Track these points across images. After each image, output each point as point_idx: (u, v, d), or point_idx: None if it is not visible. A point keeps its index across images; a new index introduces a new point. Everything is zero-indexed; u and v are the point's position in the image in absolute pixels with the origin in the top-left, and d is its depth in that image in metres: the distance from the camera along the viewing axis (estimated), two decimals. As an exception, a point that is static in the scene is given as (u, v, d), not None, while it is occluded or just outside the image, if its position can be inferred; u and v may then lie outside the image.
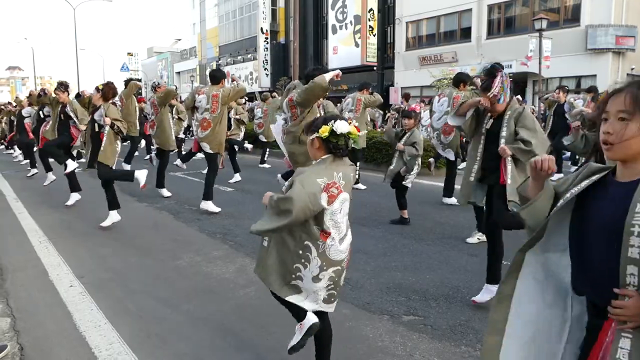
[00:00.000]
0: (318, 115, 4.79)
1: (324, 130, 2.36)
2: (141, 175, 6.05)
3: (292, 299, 2.40)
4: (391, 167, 6.11)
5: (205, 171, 10.33)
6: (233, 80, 7.41)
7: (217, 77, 6.88)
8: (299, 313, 2.43)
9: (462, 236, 5.66)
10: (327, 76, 4.61)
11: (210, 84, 6.90)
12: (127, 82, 10.42)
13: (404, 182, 6.07)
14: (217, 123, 6.75)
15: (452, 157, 7.16)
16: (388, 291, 3.97)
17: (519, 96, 12.53)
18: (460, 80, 6.94)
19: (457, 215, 6.60)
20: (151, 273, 4.51)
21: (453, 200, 6.99)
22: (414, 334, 3.23)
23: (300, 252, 2.35)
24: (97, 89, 6.05)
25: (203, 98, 6.71)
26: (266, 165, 11.90)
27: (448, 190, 7.23)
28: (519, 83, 22.68)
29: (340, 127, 2.36)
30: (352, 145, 2.44)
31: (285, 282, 2.40)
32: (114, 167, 6.14)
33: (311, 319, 2.38)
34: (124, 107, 9.55)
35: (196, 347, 3.09)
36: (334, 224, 2.36)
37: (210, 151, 6.88)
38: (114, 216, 6.07)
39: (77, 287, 4.09)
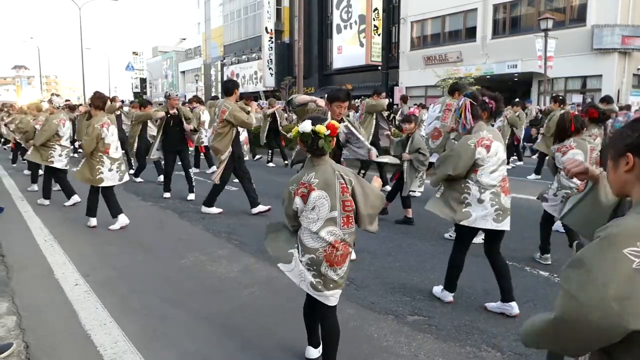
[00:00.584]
0: None
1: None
2: (121, 220, 5.98)
3: (281, 266, 2.62)
4: (406, 181, 6.14)
5: (209, 170, 10.44)
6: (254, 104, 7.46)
7: (229, 88, 6.93)
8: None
9: (467, 236, 5.66)
10: (302, 98, 4.72)
11: (224, 96, 6.99)
12: (143, 102, 10.46)
13: (413, 194, 6.19)
14: (219, 134, 6.78)
15: (432, 160, 7.23)
16: (392, 291, 3.96)
17: (517, 99, 12.52)
18: (455, 89, 7.14)
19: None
20: (156, 272, 4.52)
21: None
22: (418, 334, 3.22)
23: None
24: (89, 105, 6.11)
25: (216, 110, 7.01)
26: (271, 165, 11.97)
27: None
28: (522, 84, 22.61)
29: (304, 126, 2.52)
30: (322, 145, 2.52)
31: (284, 252, 2.64)
32: (101, 185, 5.90)
33: None
34: (131, 129, 9.84)
35: (201, 346, 3.09)
36: (305, 219, 2.54)
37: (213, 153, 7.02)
38: (122, 219, 6.01)
39: (82, 286, 4.11)
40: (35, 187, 8.70)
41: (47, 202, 7.49)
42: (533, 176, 9.69)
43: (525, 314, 3.50)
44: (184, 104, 13.07)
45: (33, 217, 6.72)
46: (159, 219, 6.58)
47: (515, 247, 4.90)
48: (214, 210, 6.88)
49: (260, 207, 6.77)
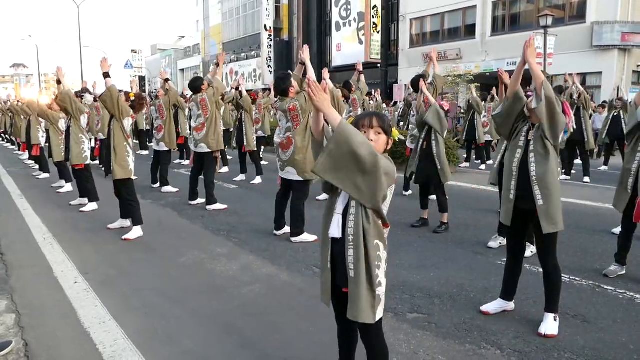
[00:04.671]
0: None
1: (396, 134, 2.31)
2: (135, 232, 5.56)
3: None
4: (439, 167, 5.78)
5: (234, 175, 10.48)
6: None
7: (196, 87, 7.15)
8: None
9: (467, 234, 5.66)
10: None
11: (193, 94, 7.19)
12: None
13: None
14: (210, 123, 6.95)
15: None
16: (392, 289, 3.95)
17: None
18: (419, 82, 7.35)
19: (462, 214, 6.60)
20: (156, 270, 4.51)
21: (409, 192, 7.95)
22: (418, 331, 3.22)
23: None
24: (127, 95, 5.57)
25: (193, 106, 7.14)
26: (264, 163, 11.88)
27: (407, 185, 8.00)
28: (522, 81, 22.58)
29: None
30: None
31: None
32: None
33: None
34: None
35: (201, 344, 3.09)
36: None
37: (209, 150, 6.98)
38: (137, 231, 5.61)
39: (82, 284, 4.11)
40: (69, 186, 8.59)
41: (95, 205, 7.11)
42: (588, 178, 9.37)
43: (525, 311, 3.50)
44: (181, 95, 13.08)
45: (32, 215, 6.72)
46: (158, 218, 6.57)
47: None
48: (219, 205, 6.95)
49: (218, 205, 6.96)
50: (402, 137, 2.30)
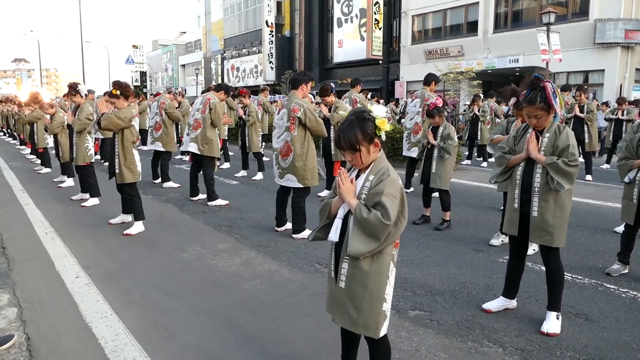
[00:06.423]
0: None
1: (382, 123, 2.13)
2: (136, 227, 5.56)
3: None
4: (433, 171, 5.81)
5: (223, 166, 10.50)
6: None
7: (223, 88, 7.44)
8: None
9: (469, 232, 5.65)
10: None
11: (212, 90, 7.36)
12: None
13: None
14: (205, 127, 6.91)
15: (414, 155, 7.58)
16: (394, 286, 3.94)
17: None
18: (432, 79, 7.57)
19: (463, 211, 6.59)
20: (157, 265, 4.51)
21: (410, 189, 7.83)
22: (419, 328, 3.21)
23: None
24: (113, 95, 5.43)
25: (199, 100, 7.19)
26: (265, 159, 11.86)
27: (407, 183, 7.89)
28: (524, 78, 22.52)
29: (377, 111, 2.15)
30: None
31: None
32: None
33: None
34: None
35: (202, 339, 3.08)
36: None
37: (197, 152, 6.93)
38: (139, 226, 5.60)
39: (83, 278, 4.11)
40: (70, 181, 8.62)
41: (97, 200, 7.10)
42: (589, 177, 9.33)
43: (527, 309, 3.50)
44: (172, 94, 12.99)
45: (34, 209, 6.72)
46: (159, 213, 6.57)
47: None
48: (221, 201, 6.96)
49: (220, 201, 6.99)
50: (388, 130, 2.15)
